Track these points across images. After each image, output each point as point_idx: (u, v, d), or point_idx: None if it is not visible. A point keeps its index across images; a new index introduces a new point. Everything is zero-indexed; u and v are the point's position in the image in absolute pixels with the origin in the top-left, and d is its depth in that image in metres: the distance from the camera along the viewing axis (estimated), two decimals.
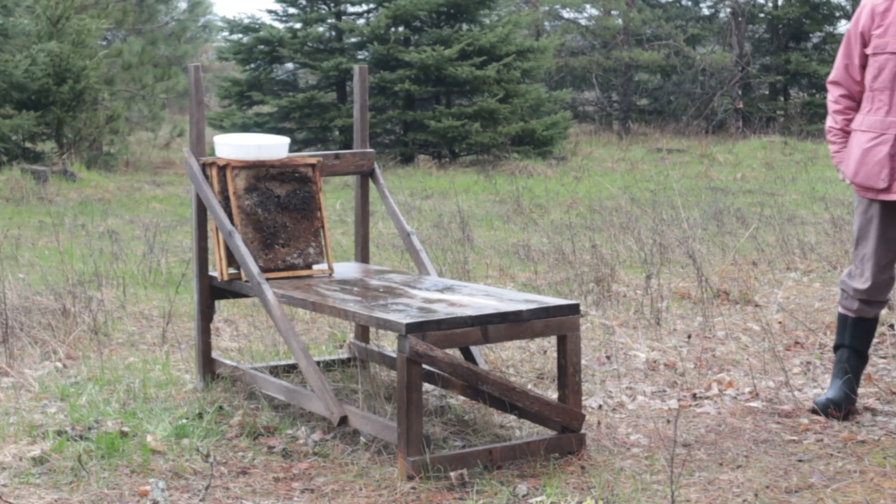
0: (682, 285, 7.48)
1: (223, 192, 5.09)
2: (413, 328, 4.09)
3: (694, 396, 5.20)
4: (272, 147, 5.18)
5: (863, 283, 4.76)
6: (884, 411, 4.91)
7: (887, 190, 4.64)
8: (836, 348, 4.93)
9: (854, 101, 4.82)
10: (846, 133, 4.83)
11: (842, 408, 4.80)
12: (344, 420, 4.45)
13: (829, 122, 4.88)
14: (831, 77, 4.88)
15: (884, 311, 5.88)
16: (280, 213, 5.12)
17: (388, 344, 6.02)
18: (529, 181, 15.02)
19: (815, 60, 23.12)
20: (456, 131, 17.70)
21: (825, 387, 5.24)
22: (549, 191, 13.65)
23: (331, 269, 5.19)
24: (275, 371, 5.32)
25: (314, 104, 18.40)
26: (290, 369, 5.38)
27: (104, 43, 21.72)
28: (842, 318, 4.89)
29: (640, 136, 22.58)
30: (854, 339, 4.87)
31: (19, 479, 4.16)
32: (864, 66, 4.76)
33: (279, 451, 4.48)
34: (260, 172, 5.12)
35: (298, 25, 19.37)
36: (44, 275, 8.01)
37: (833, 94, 4.86)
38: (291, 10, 19.86)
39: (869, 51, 4.71)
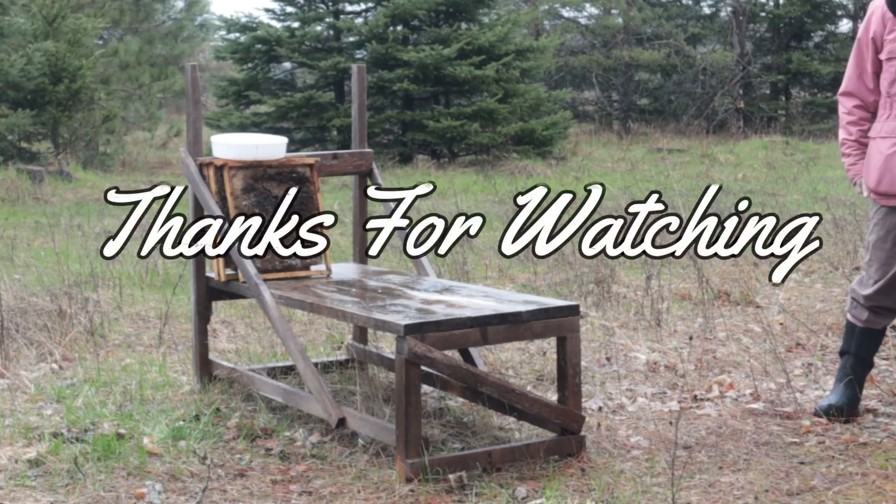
0: (682, 286, 7.45)
1: (220, 193, 5.06)
2: (411, 329, 4.06)
3: (695, 398, 5.17)
4: (270, 147, 5.15)
5: (872, 289, 4.70)
6: (886, 413, 4.88)
7: None
8: (842, 353, 4.89)
9: (868, 111, 4.74)
10: (862, 144, 4.74)
11: (844, 412, 4.76)
12: (342, 422, 4.42)
13: (843, 134, 4.78)
14: (843, 88, 4.78)
15: None
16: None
17: (386, 345, 5.99)
18: (529, 181, 14.99)
19: (817, 60, 23.10)
20: (455, 131, 17.66)
21: (827, 388, 5.21)
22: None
23: (329, 269, 5.16)
24: (272, 373, 5.29)
25: (312, 104, 18.35)
26: (288, 371, 5.35)
27: (100, 42, 21.70)
28: (850, 326, 4.84)
29: (640, 135, 22.54)
30: (860, 348, 4.82)
31: (15, 482, 4.14)
32: (877, 74, 4.69)
33: (277, 454, 4.45)
34: (257, 172, 5.09)
35: (296, 24, 19.32)
36: (39, 276, 7.98)
37: (846, 106, 4.76)
38: (289, 9, 19.82)
39: (883, 56, 4.63)
